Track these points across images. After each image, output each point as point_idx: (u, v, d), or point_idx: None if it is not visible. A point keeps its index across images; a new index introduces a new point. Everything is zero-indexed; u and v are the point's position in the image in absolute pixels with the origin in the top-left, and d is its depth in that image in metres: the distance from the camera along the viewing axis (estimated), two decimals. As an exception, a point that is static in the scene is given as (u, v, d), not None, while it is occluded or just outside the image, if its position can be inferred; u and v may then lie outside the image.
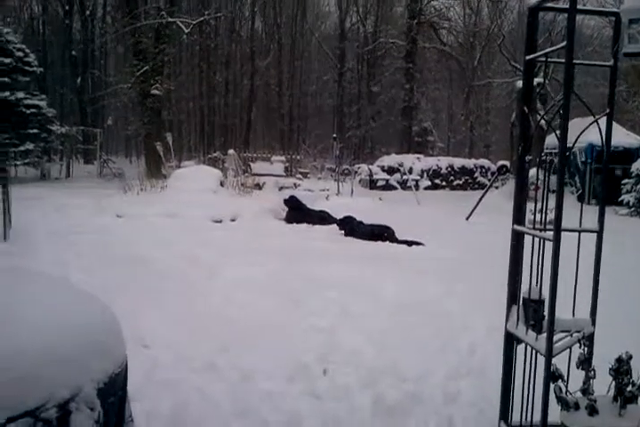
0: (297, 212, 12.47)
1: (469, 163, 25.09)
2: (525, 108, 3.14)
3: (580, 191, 18.44)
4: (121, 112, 36.26)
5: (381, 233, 10.25)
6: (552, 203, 2.96)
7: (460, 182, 24.23)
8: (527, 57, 3.14)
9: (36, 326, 2.12)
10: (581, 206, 3.10)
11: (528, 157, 3.31)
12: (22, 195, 11.36)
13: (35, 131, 19.65)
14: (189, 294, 5.92)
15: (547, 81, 3.88)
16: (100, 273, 6.36)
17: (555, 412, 2.76)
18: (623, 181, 16.73)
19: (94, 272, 6.39)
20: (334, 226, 11.28)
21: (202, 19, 23.63)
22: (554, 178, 2.98)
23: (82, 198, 13.82)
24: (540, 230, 3.07)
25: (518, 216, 3.23)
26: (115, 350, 2.37)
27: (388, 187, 22.48)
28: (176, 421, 3.25)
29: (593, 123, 2.91)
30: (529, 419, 2.95)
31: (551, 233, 2.80)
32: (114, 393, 2.30)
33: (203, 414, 3.34)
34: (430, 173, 23.90)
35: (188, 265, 7.15)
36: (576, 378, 2.92)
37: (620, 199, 16.46)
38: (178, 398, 3.52)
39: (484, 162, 25.57)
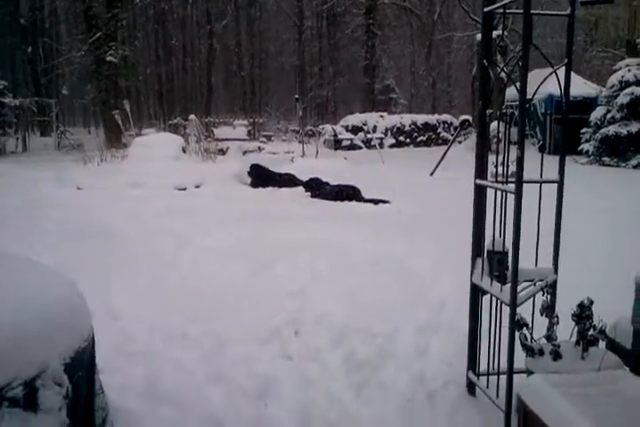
0: (262, 176, 12.37)
1: (432, 119, 25.08)
2: (485, 61, 3.11)
3: (540, 142, 18.63)
4: (76, 81, 35.15)
5: (348, 193, 10.26)
6: (513, 155, 2.98)
7: (424, 139, 24.26)
8: (485, 9, 3.10)
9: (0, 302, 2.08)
10: (542, 157, 3.12)
11: (489, 111, 3.31)
12: (-22, 171, 11.05)
13: (-14, 104, 19.00)
14: (157, 264, 5.86)
15: (505, 33, 3.85)
16: (64, 247, 6.25)
17: (520, 359, 2.84)
18: (582, 131, 16.94)
19: (58, 247, 6.27)
20: (300, 188, 11.25)
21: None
22: (514, 130, 2.99)
23: (40, 172, 13.46)
24: (502, 183, 3.09)
25: (480, 170, 3.25)
26: (79, 325, 2.34)
27: (352, 147, 22.41)
28: (150, 391, 3.25)
29: (552, 73, 2.91)
30: (496, 368, 3.03)
31: (513, 186, 2.82)
32: (81, 367, 2.29)
33: (177, 384, 3.35)
34: (394, 130, 23.86)
35: (154, 235, 7.06)
36: (540, 326, 3.00)
37: (579, 148, 16.70)
38: (150, 369, 3.52)
39: (447, 117, 25.59)
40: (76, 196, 10.48)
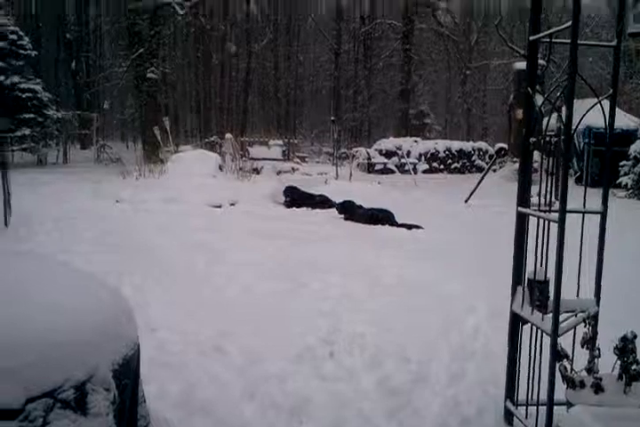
0: (297, 196, 12.48)
1: (467, 146, 25.00)
2: (529, 90, 3.14)
3: (578, 174, 18.45)
4: (117, 96, 35.99)
5: (381, 216, 10.27)
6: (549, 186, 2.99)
7: (458, 165, 24.17)
8: (531, 37, 3.14)
9: (52, 309, 2.15)
10: (585, 188, 3.11)
11: (532, 139, 3.32)
12: (20, 181, 11.34)
13: (31, 116, 19.48)
14: (192, 278, 5.95)
15: (543, 62, 3.84)
16: (102, 259, 6.37)
17: (560, 391, 2.81)
18: (621, 164, 16.74)
19: (97, 258, 6.39)
20: (334, 210, 11.30)
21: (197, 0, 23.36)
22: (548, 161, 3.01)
23: (80, 184, 13.79)
24: (545, 212, 3.09)
25: (523, 198, 3.25)
26: (127, 333, 2.40)
27: (385, 170, 22.44)
28: (186, 402, 3.29)
29: (596, 104, 2.91)
30: (534, 398, 3.00)
31: (556, 215, 2.83)
32: (128, 375, 2.34)
33: (211, 397, 3.38)
34: (428, 156, 23.83)
35: (189, 250, 7.17)
36: (581, 358, 2.97)
37: (617, 182, 16.48)
38: (186, 381, 3.56)
39: (482, 144, 25.49)
40: (114, 209, 10.68)
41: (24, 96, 19.43)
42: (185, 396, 3.35)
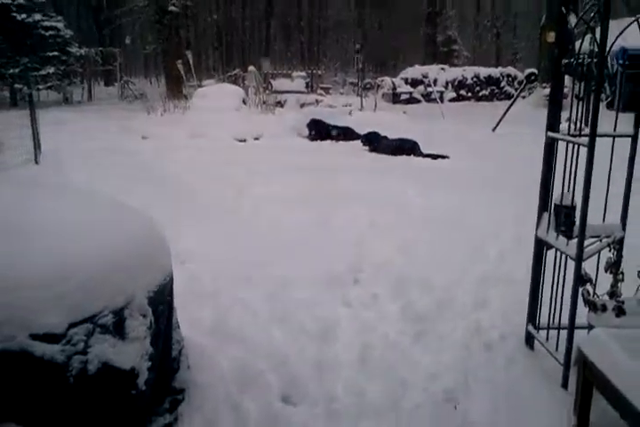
0: (320, 129, 12.38)
1: (496, 72, 24.23)
2: (563, 9, 3.01)
3: (609, 98, 17.85)
4: (138, 31, 35.36)
5: (406, 147, 10.18)
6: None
7: (487, 93, 23.54)
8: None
9: (91, 238, 2.23)
10: (617, 111, 3.02)
11: (564, 61, 3.21)
12: (47, 119, 11.41)
13: (54, 53, 19.33)
14: (221, 211, 6.05)
15: None
16: (131, 193, 6.45)
17: (581, 315, 2.86)
18: (656, 87, 16.14)
19: (126, 192, 6.49)
20: (358, 142, 11.22)
21: None
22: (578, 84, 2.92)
23: (106, 121, 13.84)
24: (574, 136, 3.03)
25: (552, 122, 3.19)
26: (162, 261, 2.49)
27: (411, 100, 21.98)
28: (218, 329, 3.43)
29: (633, 22, 2.80)
30: (556, 322, 3.06)
31: (586, 139, 2.78)
32: (163, 302, 2.44)
33: (242, 323, 3.52)
34: (455, 84, 23.22)
35: (217, 184, 7.24)
36: (603, 282, 3.00)
37: (651, 105, 15.94)
38: (217, 308, 3.70)
39: (511, 70, 24.67)
40: (141, 145, 10.76)
41: (47, 34, 19.21)
42: (217, 323, 3.49)
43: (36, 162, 8.62)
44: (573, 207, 3.07)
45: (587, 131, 2.89)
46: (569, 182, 3.00)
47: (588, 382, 2.42)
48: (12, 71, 17.91)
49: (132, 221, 2.52)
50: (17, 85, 17.94)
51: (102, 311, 2.08)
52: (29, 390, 1.96)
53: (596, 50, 2.84)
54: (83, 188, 5.91)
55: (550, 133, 3.17)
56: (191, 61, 17.65)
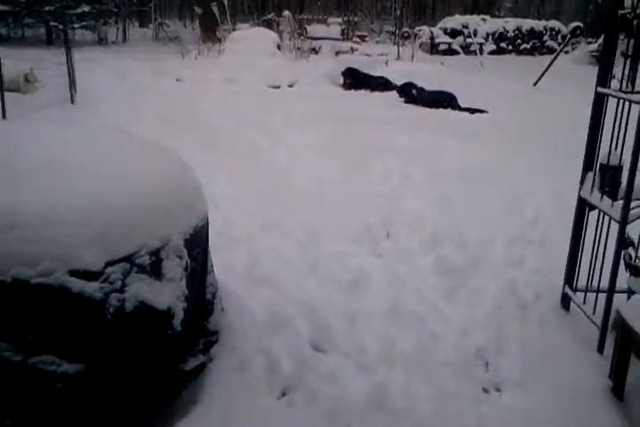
0: (356, 78, 12.12)
1: (539, 24, 23.30)
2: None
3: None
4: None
5: (443, 100, 9.94)
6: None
7: (528, 46, 22.71)
8: None
9: (129, 178, 2.22)
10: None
11: (620, 11, 3.03)
12: (82, 59, 11.30)
13: (90, -8, 19.05)
14: (254, 159, 6.01)
15: None
16: (167, 135, 6.41)
17: (622, 279, 2.80)
18: None
19: (162, 134, 6.46)
20: (394, 93, 10.97)
21: None
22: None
23: (140, 62, 13.70)
24: (626, 93, 2.90)
25: (603, 78, 3.04)
26: (198, 204, 2.47)
27: (450, 51, 21.33)
28: (250, 274, 3.45)
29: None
30: (595, 284, 3.00)
31: (638, 96, 2.65)
32: (198, 244, 2.44)
33: (274, 270, 3.53)
34: (496, 36, 22.43)
35: (251, 131, 7.18)
36: (647, 247, 2.92)
37: None
38: (249, 254, 3.71)
39: (555, 24, 23.68)
40: (175, 87, 10.67)
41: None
42: (249, 268, 3.51)
43: (72, 101, 8.62)
44: (620, 167, 2.96)
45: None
46: (617, 141, 2.88)
47: (626, 346, 2.39)
48: (47, 8, 17.71)
49: (169, 162, 2.50)
50: (52, 23, 17.78)
51: (139, 251, 2.08)
52: (68, 325, 1.98)
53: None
54: (118, 127, 5.91)
55: (600, 89, 3.03)
56: (226, 4, 17.28)
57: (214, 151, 6.06)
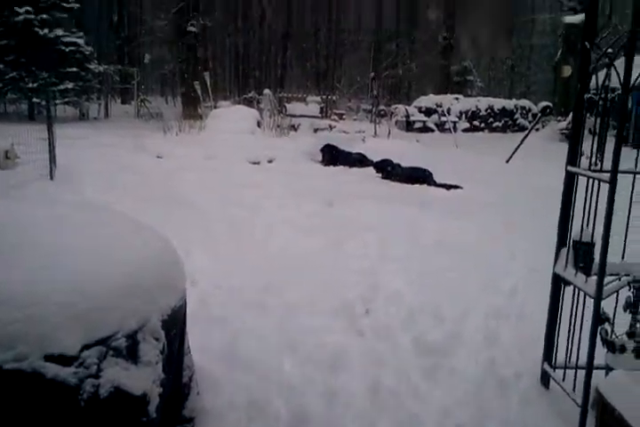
0: (334, 154, 12.42)
1: (510, 104, 24.34)
2: (587, 43, 3.02)
3: (624, 135, 17.91)
4: (157, 51, 35.89)
5: (419, 176, 10.18)
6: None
7: (500, 124, 23.61)
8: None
9: (105, 257, 2.21)
10: (638, 148, 3.00)
11: (586, 95, 3.20)
12: (63, 134, 11.44)
13: (73, 69, 19.54)
14: (232, 233, 6.03)
15: (610, 14, 3.63)
16: (145, 212, 6.44)
17: (600, 354, 2.80)
18: (671, 125, 16.18)
19: (140, 211, 6.48)
20: (371, 169, 11.23)
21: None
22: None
23: (122, 138, 13.91)
24: (595, 171, 3.01)
25: (573, 157, 3.17)
26: (177, 284, 2.46)
27: (425, 129, 22.08)
28: (228, 355, 3.38)
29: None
30: (573, 361, 3.00)
31: (607, 174, 2.76)
32: (176, 325, 2.41)
33: (252, 349, 3.47)
34: (469, 114, 23.32)
35: (229, 206, 7.24)
36: (622, 322, 2.95)
37: (667, 143, 15.99)
38: (227, 333, 3.66)
39: (526, 103, 24.77)
40: (155, 164, 10.79)
41: (67, 50, 19.44)
42: (227, 348, 3.45)
43: (51, 177, 8.66)
44: (593, 244, 3.04)
45: (607, 166, 2.88)
46: (588, 218, 2.97)
47: (606, 425, 2.36)
48: (30, 85, 18.13)
49: (150, 240, 2.50)
50: (35, 99, 18.14)
51: (116, 334, 2.04)
52: (39, 410, 1.92)
53: (614, 86, 2.84)
54: (98, 205, 5.93)
55: (570, 168, 3.16)
56: (208, 82, 17.84)
57: (192, 227, 6.08)
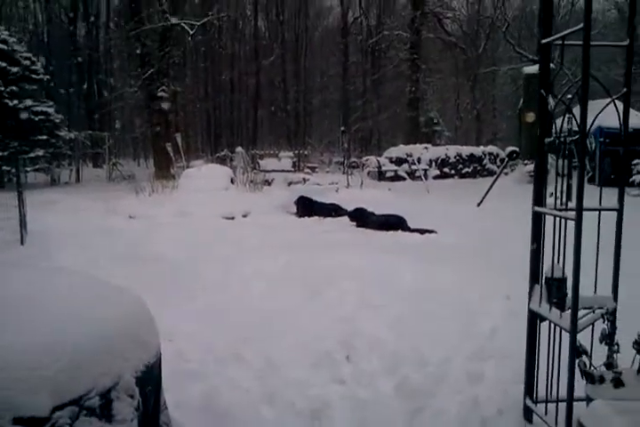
0: (308, 206, 12.53)
1: (478, 150, 24.94)
2: (543, 92, 3.15)
3: (590, 174, 18.39)
4: (128, 116, 36.37)
5: (393, 222, 10.27)
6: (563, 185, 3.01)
7: (469, 170, 24.11)
8: (543, 40, 3.16)
9: (76, 318, 2.19)
10: (600, 186, 3.09)
11: (547, 140, 3.33)
12: (34, 200, 11.44)
13: (43, 137, 19.71)
14: (208, 288, 5.97)
15: (562, 64, 3.79)
16: (117, 273, 6.40)
17: (580, 386, 2.80)
18: (634, 162, 16.70)
19: (112, 272, 6.44)
20: (346, 218, 11.33)
21: (205, 20, 23.36)
22: (560, 162, 3.03)
23: (93, 201, 13.90)
24: (560, 210, 3.09)
25: (538, 197, 3.26)
26: (150, 341, 2.43)
27: (396, 178, 22.43)
28: (207, 409, 3.31)
29: (610, 102, 2.93)
30: (554, 394, 2.99)
31: (573, 213, 2.83)
32: (151, 382, 2.37)
33: (232, 403, 3.40)
34: (439, 162, 23.79)
35: (205, 262, 7.20)
36: (599, 354, 2.97)
37: (631, 180, 16.42)
38: (206, 388, 3.59)
39: (493, 149, 25.41)
40: (128, 224, 10.76)
41: (37, 119, 19.66)
42: (205, 403, 3.37)
43: (22, 243, 8.58)
44: (564, 279, 3.08)
45: (571, 205, 2.97)
46: (558, 255, 3.03)
47: (591, 458, 2.34)
48: (0, 154, 18.18)
49: (120, 300, 2.49)
50: (5, 168, 18.15)
51: (89, 393, 2.01)
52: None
53: (576, 129, 2.96)
54: (69, 268, 5.87)
55: (537, 208, 3.24)
56: (180, 144, 18.04)
57: (167, 285, 6.02)
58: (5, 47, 19.35)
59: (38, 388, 1.91)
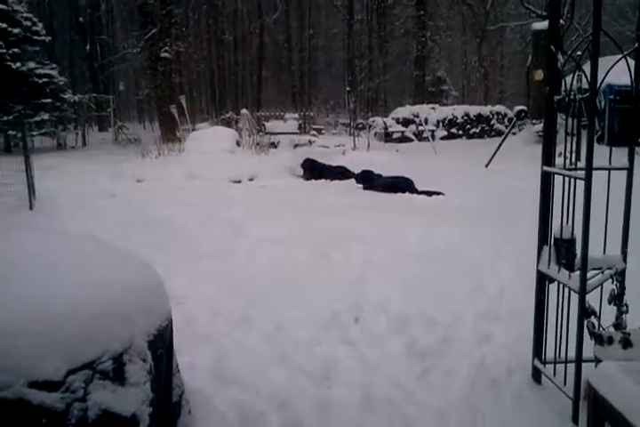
0: (314, 168, 12.47)
1: (485, 110, 24.60)
2: (553, 47, 3.07)
3: (599, 133, 18.15)
4: (131, 77, 35.99)
5: (400, 185, 10.23)
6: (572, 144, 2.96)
7: (477, 130, 23.84)
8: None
9: (89, 283, 2.20)
10: (610, 146, 3.04)
11: (556, 97, 3.26)
12: (41, 165, 11.44)
13: (48, 100, 19.54)
14: (216, 251, 6.01)
15: (571, 19, 3.71)
16: (126, 236, 6.44)
17: (588, 347, 2.82)
18: (644, 121, 16.45)
19: (121, 236, 6.47)
20: (352, 180, 11.28)
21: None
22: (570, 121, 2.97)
23: (100, 165, 13.90)
24: (569, 170, 3.05)
25: (547, 157, 3.22)
26: (160, 305, 2.45)
27: (403, 139, 22.23)
28: (217, 371, 3.36)
29: (621, 59, 2.85)
30: (562, 355, 3.01)
31: (582, 172, 2.80)
32: (162, 345, 2.39)
33: (242, 365, 3.45)
34: (446, 122, 23.52)
35: (213, 225, 7.23)
36: (608, 314, 2.98)
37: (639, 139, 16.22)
38: (216, 350, 3.64)
39: (501, 108, 25.05)
40: (135, 188, 10.78)
41: (40, 82, 19.44)
42: (216, 366, 3.42)
43: (30, 207, 8.60)
44: (573, 240, 3.07)
45: (581, 164, 2.92)
46: (567, 215, 3.01)
47: (598, 416, 2.36)
48: (6, 118, 18.08)
49: (128, 265, 2.50)
50: (11, 132, 18.08)
51: (101, 357, 2.03)
52: (26, 439, 1.89)
53: (587, 87, 2.89)
54: (77, 233, 5.89)
55: (546, 168, 3.20)
56: (185, 106, 17.88)
57: (176, 249, 6.06)
58: (5, 7, 18.98)
59: (51, 352, 1.94)
